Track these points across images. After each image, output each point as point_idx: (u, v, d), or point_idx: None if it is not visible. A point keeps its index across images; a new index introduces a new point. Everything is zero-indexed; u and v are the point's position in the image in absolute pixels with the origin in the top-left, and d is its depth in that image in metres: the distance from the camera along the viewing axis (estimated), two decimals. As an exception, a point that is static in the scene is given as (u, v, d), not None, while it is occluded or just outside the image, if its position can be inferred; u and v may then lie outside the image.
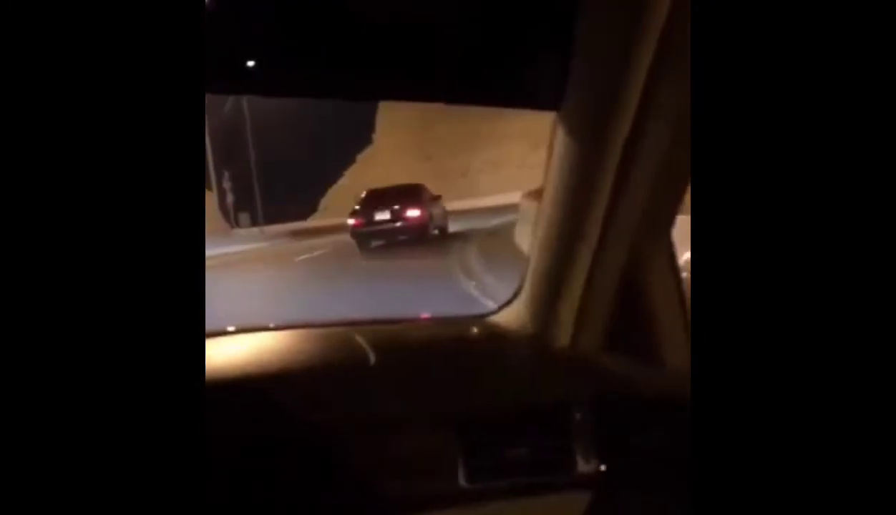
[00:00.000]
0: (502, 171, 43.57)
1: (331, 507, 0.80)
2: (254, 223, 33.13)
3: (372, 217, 10.67)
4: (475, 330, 1.09)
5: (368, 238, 10.60)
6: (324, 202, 60.98)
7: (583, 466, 0.86)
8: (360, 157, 62.62)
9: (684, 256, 0.91)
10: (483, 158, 49.53)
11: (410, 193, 11.28)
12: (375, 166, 57.80)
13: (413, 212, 10.71)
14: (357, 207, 10.88)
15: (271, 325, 1.11)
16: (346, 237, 11.95)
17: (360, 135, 62.67)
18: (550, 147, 0.82)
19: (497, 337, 1.04)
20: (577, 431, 0.87)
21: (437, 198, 11.83)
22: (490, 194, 36.30)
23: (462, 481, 0.81)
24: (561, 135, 0.76)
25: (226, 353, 0.99)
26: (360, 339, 1.04)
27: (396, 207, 10.58)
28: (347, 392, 0.89)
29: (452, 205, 41.48)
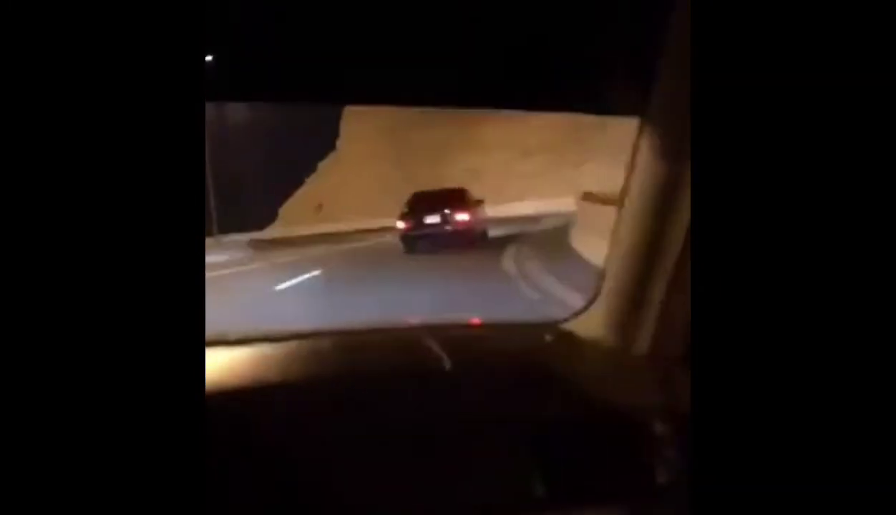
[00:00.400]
0: (485, 180, 39.83)
1: (408, 511, 0.79)
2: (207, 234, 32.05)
3: (422, 220, 10.72)
4: (549, 336, 1.10)
5: (416, 241, 10.65)
6: (282, 211, 55.90)
7: (661, 476, 0.85)
8: (322, 166, 57.92)
9: None
10: (462, 166, 45.50)
11: (457, 197, 11.33)
12: (339, 174, 53.32)
13: (462, 216, 10.80)
14: (405, 211, 10.86)
15: (338, 327, 1.31)
16: (345, 246, 12.23)
17: (324, 143, 57.91)
18: (633, 155, 0.82)
19: (573, 345, 1.04)
20: (655, 441, 0.86)
21: (479, 203, 11.75)
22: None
23: (538, 490, 0.80)
24: (644, 142, 0.75)
25: (300, 354, 1.04)
26: (433, 344, 1.02)
27: (446, 211, 10.67)
28: (425, 395, 0.87)
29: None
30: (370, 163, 51.46)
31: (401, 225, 11.06)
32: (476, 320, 1.51)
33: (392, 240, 12.86)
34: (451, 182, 47.93)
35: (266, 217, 54.91)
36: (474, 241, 10.81)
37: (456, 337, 1.15)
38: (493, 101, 0.76)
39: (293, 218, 52.74)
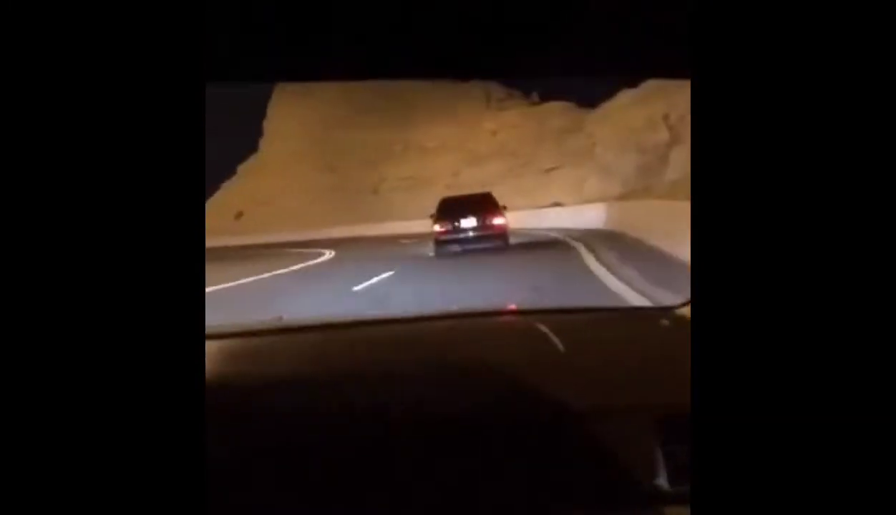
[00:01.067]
0: (425, 190, 35.91)
1: (525, 497, 0.75)
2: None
3: (458, 224, 10.91)
4: (666, 322, 1.06)
5: (449, 244, 10.93)
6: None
7: None
8: (242, 168, 52.14)
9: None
10: (399, 173, 41.29)
11: (487, 202, 11.43)
12: (262, 178, 47.92)
13: (499, 220, 11.02)
14: (437, 215, 11.20)
15: (454, 310, 1.34)
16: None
17: (245, 143, 52.19)
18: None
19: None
20: None
21: (504, 208, 11.57)
22: (408, 218, 28.51)
23: (661, 481, 0.74)
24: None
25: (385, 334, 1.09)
26: (544, 329, 1.03)
27: (481, 215, 11.00)
28: (541, 382, 0.84)
29: (358, 229, 29.97)
30: (296, 167, 46.39)
31: (437, 228, 11.10)
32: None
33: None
34: (387, 190, 43.88)
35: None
36: (504, 244, 11.08)
37: (570, 322, 1.12)
38: (532, 69, 0.71)
39: (209, 227, 47.17)
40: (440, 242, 11.02)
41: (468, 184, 36.68)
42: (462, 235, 10.92)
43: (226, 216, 47.64)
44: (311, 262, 13.08)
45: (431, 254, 11.13)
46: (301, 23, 0.58)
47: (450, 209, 11.21)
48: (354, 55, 0.65)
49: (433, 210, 11.71)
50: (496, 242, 10.87)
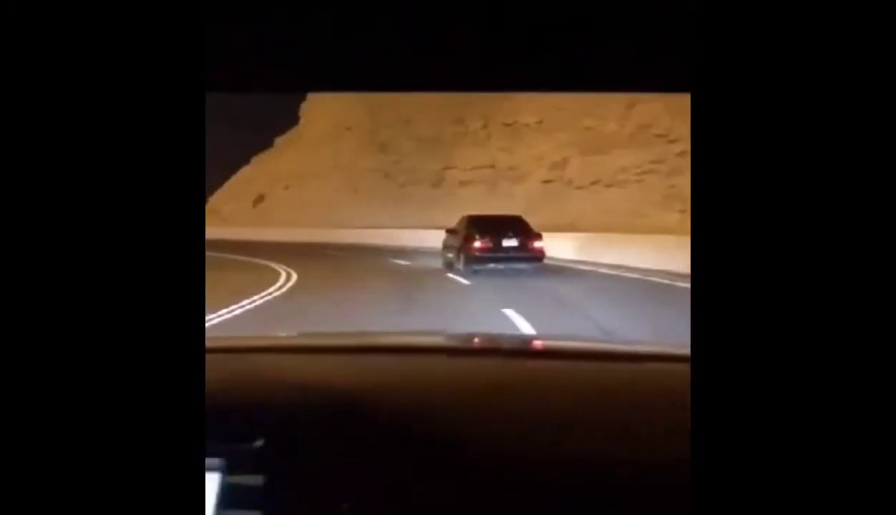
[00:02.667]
0: (510, 186, 23.75)
1: None
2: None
3: (500, 243, 11.39)
4: None
5: (487, 261, 11.28)
6: (212, 202, 39.33)
7: None
8: (280, 141, 41.38)
9: None
10: (474, 160, 29.01)
11: (523, 224, 12.14)
12: (296, 155, 37.00)
13: (538, 243, 11.71)
14: (472, 231, 11.60)
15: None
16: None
17: (288, 111, 41.43)
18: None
19: None
20: None
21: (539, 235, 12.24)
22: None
23: None
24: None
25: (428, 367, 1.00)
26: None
27: (521, 237, 11.61)
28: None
29: (403, 236, 22.94)
30: (337, 142, 34.98)
31: (478, 244, 11.38)
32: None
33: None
34: (456, 186, 31.58)
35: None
36: (539, 266, 11.75)
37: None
38: (529, 82, 0.72)
39: (222, 213, 36.52)
40: (478, 258, 11.32)
41: (580, 181, 23.98)
42: (503, 254, 11.40)
43: (245, 200, 37.05)
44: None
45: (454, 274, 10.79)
46: (315, 31, 0.58)
47: (487, 227, 11.70)
48: (351, 64, 0.65)
49: (453, 224, 12.53)
50: (534, 264, 11.47)
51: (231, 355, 1.02)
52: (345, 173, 32.93)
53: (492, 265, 11.08)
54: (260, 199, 36.49)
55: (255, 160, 41.06)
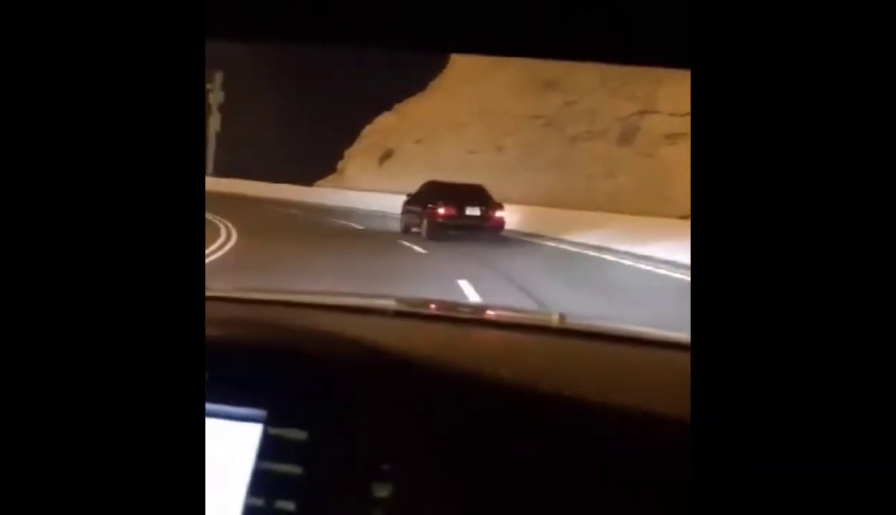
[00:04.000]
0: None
1: None
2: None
3: (463, 210, 11.65)
4: None
5: (449, 229, 11.52)
6: (344, 162, 32.81)
7: None
8: (434, 85, 33.25)
9: None
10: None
11: (486, 193, 12.32)
12: (439, 99, 28.69)
13: (500, 213, 11.89)
14: (434, 198, 11.88)
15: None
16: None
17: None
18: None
19: None
20: None
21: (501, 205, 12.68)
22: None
23: None
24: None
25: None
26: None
27: (485, 206, 11.79)
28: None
29: (565, 222, 15.71)
30: (489, 82, 25.39)
31: (442, 211, 11.66)
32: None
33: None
34: (657, 145, 21.99)
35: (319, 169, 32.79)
36: (499, 236, 11.91)
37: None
38: (531, 48, 0.68)
39: (353, 173, 29.67)
40: (440, 225, 11.48)
41: None
42: (465, 222, 11.52)
43: (373, 156, 29.66)
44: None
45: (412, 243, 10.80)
46: None
47: (451, 194, 11.86)
48: (357, 19, 0.62)
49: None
50: (493, 233, 11.69)
51: (264, 307, 1.02)
52: (490, 122, 23.75)
53: (453, 232, 11.29)
54: (387, 155, 28.80)
55: (397, 107, 33.46)
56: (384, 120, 32.64)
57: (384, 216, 16.16)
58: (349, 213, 18.12)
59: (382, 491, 0.61)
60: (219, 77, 33.20)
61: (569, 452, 0.65)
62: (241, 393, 0.64)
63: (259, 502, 0.58)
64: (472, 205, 11.78)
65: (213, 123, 32.97)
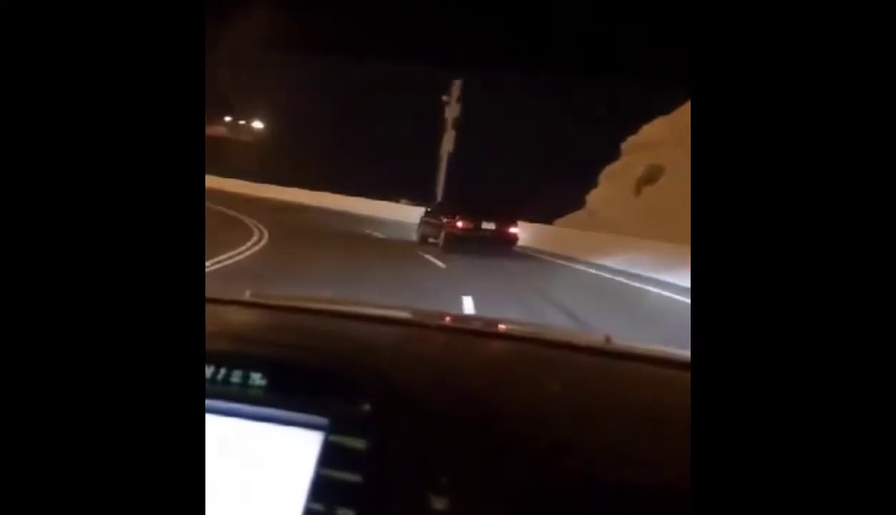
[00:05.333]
0: None
1: None
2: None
3: (479, 224, 12.33)
4: None
5: (466, 242, 12.15)
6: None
7: None
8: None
9: None
10: None
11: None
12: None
13: (514, 229, 12.74)
14: (453, 211, 12.59)
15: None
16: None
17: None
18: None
19: None
20: None
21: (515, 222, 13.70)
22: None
23: None
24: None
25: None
26: None
27: (499, 221, 12.50)
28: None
29: None
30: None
31: (459, 225, 12.32)
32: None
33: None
34: None
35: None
36: (512, 251, 12.65)
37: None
38: (526, 63, 0.70)
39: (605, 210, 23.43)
40: (458, 238, 12.12)
41: None
42: (481, 235, 12.24)
43: (625, 184, 23.23)
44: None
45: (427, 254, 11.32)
46: None
47: (471, 208, 12.58)
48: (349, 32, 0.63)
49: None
50: (505, 247, 12.36)
51: (319, 317, 1.03)
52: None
53: (473, 246, 11.81)
54: (649, 180, 22.04)
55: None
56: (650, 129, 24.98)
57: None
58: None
59: (440, 504, 0.62)
60: (456, 87, 26.17)
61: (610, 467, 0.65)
62: (302, 400, 0.64)
63: (319, 507, 0.58)
64: (489, 219, 12.42)
65: (447, 141, 25.83)
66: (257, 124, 42.89)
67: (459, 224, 12.36)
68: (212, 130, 43.16)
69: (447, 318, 1.28)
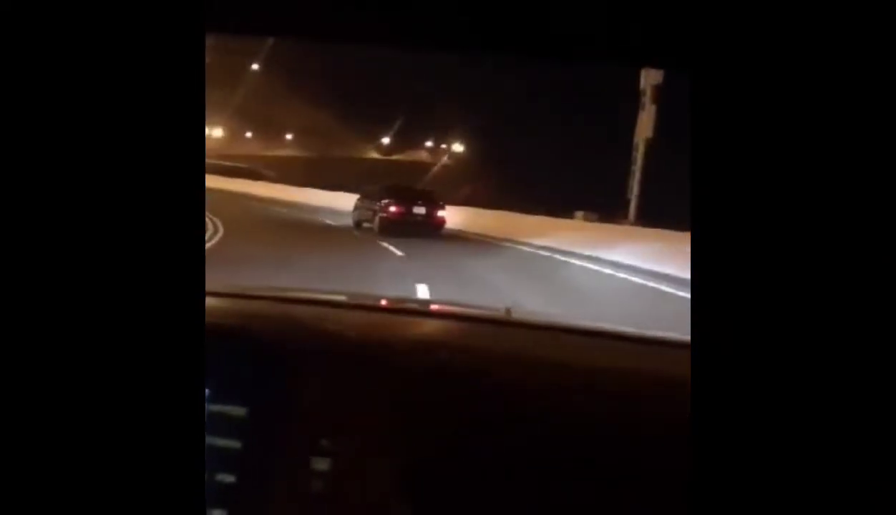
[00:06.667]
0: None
1: None
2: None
3: (411, 209, 13.36)
4: None
5: (398, 225, 13.00)
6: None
7: None
8: None
9: None
10: None
11: (433, 196, 14.45)
12: None
13: (442, 213, 13.87)
14: (388, 196, 13.53)
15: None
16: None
17: None
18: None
19: None
20: None
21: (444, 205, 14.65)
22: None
23: None
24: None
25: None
26: None
27: (428, 206, 13.72)
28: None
29: None
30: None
31: (392, 210, 13.21)
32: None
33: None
34: None
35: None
36: (439, 233, 13.65)
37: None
38: (516, 46, 0.70)
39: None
40: (391, 222, 13.06)
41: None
42: (412, 219, 13.31)
43: None
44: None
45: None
46: None
47: (403, 195, 13.76)
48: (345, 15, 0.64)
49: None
50: (434, 230, 13.44)
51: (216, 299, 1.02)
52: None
53: (404, 228, 12.74)
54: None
55: None
56: None
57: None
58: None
59: (322, 465, 0.64)
60: (650, 91, 18.69)
61: (506, 430, 0.68)
62: None
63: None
64: (419, 205, 13.49)
65: (643, 125, 19.28)
66: (457, 147, 42.15)
67: (392, 208, 13.25)
68: (414, 155, 43.97)
69: (370, 300, 1.32)
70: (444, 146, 42.20)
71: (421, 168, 38.22)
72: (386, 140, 44.60)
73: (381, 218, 13.21)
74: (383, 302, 1.34)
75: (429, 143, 43.32)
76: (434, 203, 13.93)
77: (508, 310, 1.18)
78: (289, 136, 45.09)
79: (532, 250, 12.32)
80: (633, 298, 7.33)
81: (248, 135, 44.86)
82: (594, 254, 11.27)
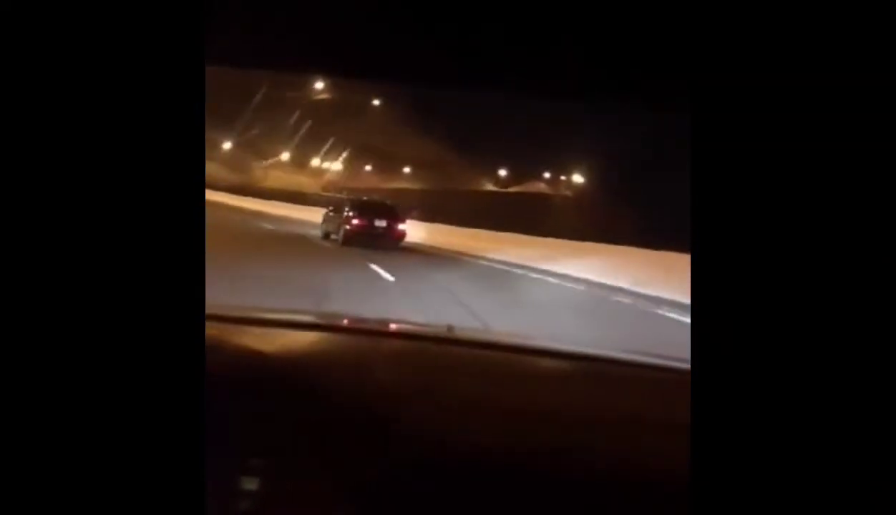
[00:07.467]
0: None
1: None
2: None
3: (372, 222, 14.99)
4: None
5: (361, 236, 14.53)
6: None
7: None
8: None
9: None
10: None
11: (394, 210, 15.97)
12: None
13: (402, 226, 15.57)
14: (354, 211, 15.17)
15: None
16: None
17: None
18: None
19: None
20: None
21: (403, 220, 16.13)
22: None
23: None
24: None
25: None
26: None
27: (389, 220, 15.31)
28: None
29: None
30: None
31: (356, 222, 14.79)
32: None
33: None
34: None
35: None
36: (398, 245, 15.15)
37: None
38: (523, 88, 0.71)
39: None
40: (354, 233, 14.70)
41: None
42: (374, 232, 14.84)
43: None
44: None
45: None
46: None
47: (367, 209, 15.41)
48: (342, 52, 0.65)
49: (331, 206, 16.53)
50: (394, 242, 14.95)
51: None
52: None
53: (366, 239, 14.36)
54: None
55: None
56: None
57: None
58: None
59: (251, 484, 0.63)
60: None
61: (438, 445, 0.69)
62: None
63: None
64: (381, 218, 15.15)
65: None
66: (578, 178, 40.24)
67: (356, 221, 14.91)
68: (531, 186, 42.52)
69: (323, 319, 1.40)
70: (563, 177, 40.34)
71: (541, 200, 36.74)
72: (503, 172, 43.42)
73: (346, 230, 14.92)
74: (323, 321, 1.37)
75: (546, 175, 41.62)
76: (395, 217, 15.61)
77: (450, 328, 1.24)
78: (406, 169, 45.34)
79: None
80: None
81: (368, 168, 45.66)
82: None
